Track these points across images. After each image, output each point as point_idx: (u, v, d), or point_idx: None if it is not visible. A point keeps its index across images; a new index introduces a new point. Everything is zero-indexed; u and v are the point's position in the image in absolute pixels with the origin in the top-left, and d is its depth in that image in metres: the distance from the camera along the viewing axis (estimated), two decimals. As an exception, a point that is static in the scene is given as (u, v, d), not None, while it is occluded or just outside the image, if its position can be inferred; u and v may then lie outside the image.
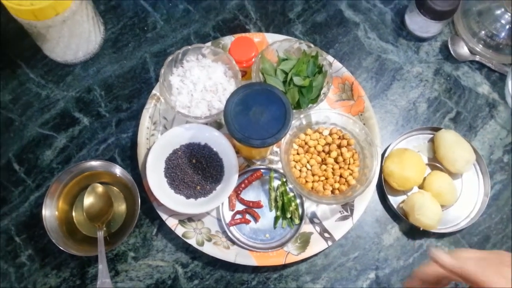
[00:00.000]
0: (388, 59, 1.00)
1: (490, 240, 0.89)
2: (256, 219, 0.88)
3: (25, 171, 0.92)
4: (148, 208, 0.88)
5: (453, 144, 0.88)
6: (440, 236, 0.88)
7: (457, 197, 0.89)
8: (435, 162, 0.92)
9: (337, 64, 0.95)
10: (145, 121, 0.92)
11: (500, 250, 0.63)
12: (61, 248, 0.81)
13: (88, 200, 0.86)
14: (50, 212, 0.84)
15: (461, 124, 0.96)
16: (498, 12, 0.97)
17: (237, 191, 0.89)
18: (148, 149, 0.89)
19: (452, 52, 0.99)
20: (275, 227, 0.88)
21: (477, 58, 0.99)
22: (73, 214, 0.88)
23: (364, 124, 0.90)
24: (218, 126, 0.92)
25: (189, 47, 0.88)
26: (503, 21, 0.96)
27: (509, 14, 0.95)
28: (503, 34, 0.97)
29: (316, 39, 1.01)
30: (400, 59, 1.00)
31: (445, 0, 0.92)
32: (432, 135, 0.94)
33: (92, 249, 0.83)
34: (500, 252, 0.58)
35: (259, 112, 0.76)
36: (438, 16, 0.93)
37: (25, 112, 0.95)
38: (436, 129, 0.92)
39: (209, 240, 0.86)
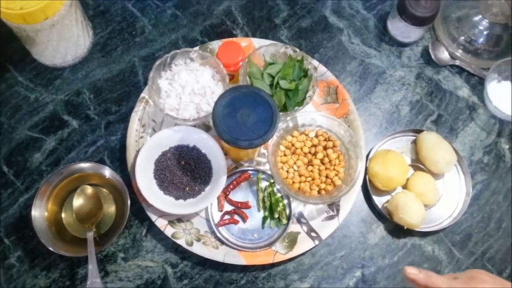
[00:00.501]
0: (372, 64, 1.02)
1: (472, 239, 0.91)
2: (244, 219, 0.89)
3: (14, 174, 0.92)
4: (138, 209, 0.89)
5: (435, 145, 0.91)
6: (424, 234, 0.91)
7: (439, 197, 0.92)
8: (417, 163, 0.95)
9: (322, 68, 0.97)
10: (134, 124, 0.93)
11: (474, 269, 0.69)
12: (50, 249, 0.82)
13: (78, 201, 0.87)
14: (39, 213, 0.85)
15: (442, 126, 0.99)
16: (476, 18, 1.00)
17: (226, 192, 0.90)
18: (137, 151, 0.90)
19: (433, 56, 1.02)
20: (263, 227, 0.89)
21: (457, 62, 1.02)
22: (63, 215, 0.89)
23: (348, 126, 0.93)
24: (206, 128, 0.94)
25: (178, 51, 0.90)
26: (481, 27, 1.00)
27: (487, 21, 0.99)
28: (481, 39, 1.00)
29: (302, 44, 1.03)
30: (383, 64, 1.03)
31: (425, 6, 0.95)
32: (414, 137, 0.96)
33: (82, 250, 0.84)
34: (470, 270, 0.66)
35: (246, 114, 0.78)
36: (419, 22, 0.97)
37: (14, 115, 0.96)
38: (418, 131, 0.95)
39: (198, 240, 0.87)
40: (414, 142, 0.96)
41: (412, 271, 0.66)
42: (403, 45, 1.04)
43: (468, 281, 0.63)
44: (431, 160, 0.91)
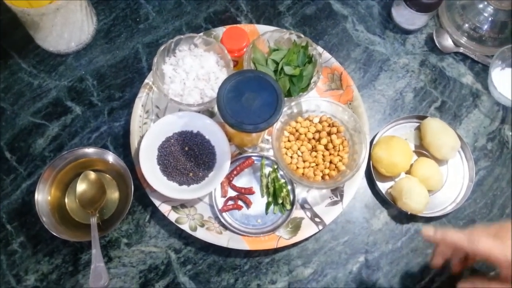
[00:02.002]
0: (376, 51, 1.02)
1: (475, 224, 0.91)
2: (248, 205, 0.89)
3: (17, 160, 0.92)
4: (141, 195, 0.89)
5: (439, 131, 0.91)
6: (427, 220, 0.90)
7: (443, 183, 0.92)
8: (421, 149, 0.94)
9: (326, 55, 0.97)
10: (137, 110, 0.93)
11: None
12: (53, 234, 0.81)
13: (81, 187, 0.86)
14: (42, 197, 0.84)
15: (446, 113, 0.98)
16: (481, 5, 1.00)
17: (229, 177, 0.90)
18: (141, 137, 0.90)
19: (437, 44, 1.02)
20: (266, 213, 0.89)
21: (461, 50, 1.02)
22: (66, 200, 0.89)
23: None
24: (210, 114, 0.94)
25: (182, 36, 0.90)
26: (485, 14, 0.99)
27: (492, 7, 0.99)
28: (485, 26, 1.00)
29: (306, 31, 1.03)
30: (387, 51, 1.02)
31: (430, -7, 0.95)
32: (418, 124, 0.96)
33: (85, 235, 0.84)
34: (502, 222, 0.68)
35: (251, 98, 0.77)
36: (423, 8, 0.96)
37: (17, 101, 0.96)
38: (422, 118, 0.95)
39: (202, 225, 0.87)
40: (418, 129, 0.96)
41: (427, 233, 0.67)
42: (407, 32, 1.04)
43: (499, 230, 0.65)
44: (435, 146, 0.91)
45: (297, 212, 0.89)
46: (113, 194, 0.90)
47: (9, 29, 0.99)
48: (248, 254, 0.88)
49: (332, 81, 0.97)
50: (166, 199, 0.87)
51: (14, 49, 0.99)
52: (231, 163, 0.89)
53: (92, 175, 0.87)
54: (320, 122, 0.91)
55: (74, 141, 0.94)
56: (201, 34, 0.94)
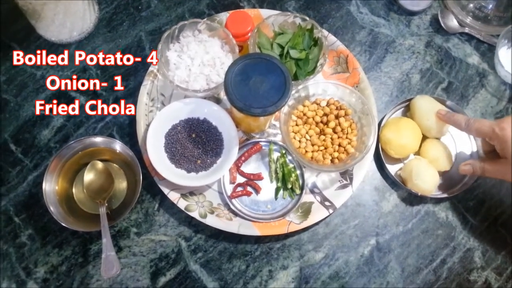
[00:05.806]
0: (381, 33, 1.02)
1: (485, 204, 0.91)
2: (257, 191, 0.89)
3: (22, 151, 0.91)
4: (149, 184, 0.88)
5: (427, 111, 0.89)
6: (437, 201, 0.90)
7: (452, 163, 0.91)
8: (429, 130, 0.94)
9: (331, 38, 0.96)
10: (143, 98, 0.92)
11: None
12: (62, 224, 0.80)
13: (88, 176, 0.86)
14: (50, 188, 0.83)
15: (453, 93, 0.98)
16: (486, -16, 0.99)
17: (238, 164, 0.90)
18: (147, 125, 0.89)
19: (442, 24, 1.01)
20: (276, 198, 0.89)
21: (466, 30, 1.01)
22: (73, 191, 0.88)
23: (360, 95, 0.92)
24: (216, 101, 0.93)
25: (186, 22, 0.89)
26: (491, -8, 0.99)
27: (497, -15, 0.98)
28: (491, 5, 0.99)
29: (310, 14, 1.02)
30: (392, 33, 1.02)
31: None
32: (425, 105, 0.95)
33: (93, 225, 0.83)
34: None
35: (259, 81, 0.76)
36: (428, -12, 0.96)
37: (20, 93, 0.94)
38: (429, 99, 0.94)
39: (212, 212, 0.86)
40: (408, 108, 0.95)
41: (440, 111, 0.87)
42: (412, 13, 1.03)
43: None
44: (424, 127, 0.90)
45: (307, 197, 0.88)
46: (121, 184, 0.89)
47: (10, 20, 0.98)
48: (258, 240, 0.87)
49: (338, 64, 0.96)
50: (174, 187, 0.86)
51: (15, 40, 0.98)
52: (239, 149, 0.88)
53: (100, 164, 0.87)
54: (328, 105, 0.90)
55: (80, 132, 0.93)
56: (205, 19, 0.93)
